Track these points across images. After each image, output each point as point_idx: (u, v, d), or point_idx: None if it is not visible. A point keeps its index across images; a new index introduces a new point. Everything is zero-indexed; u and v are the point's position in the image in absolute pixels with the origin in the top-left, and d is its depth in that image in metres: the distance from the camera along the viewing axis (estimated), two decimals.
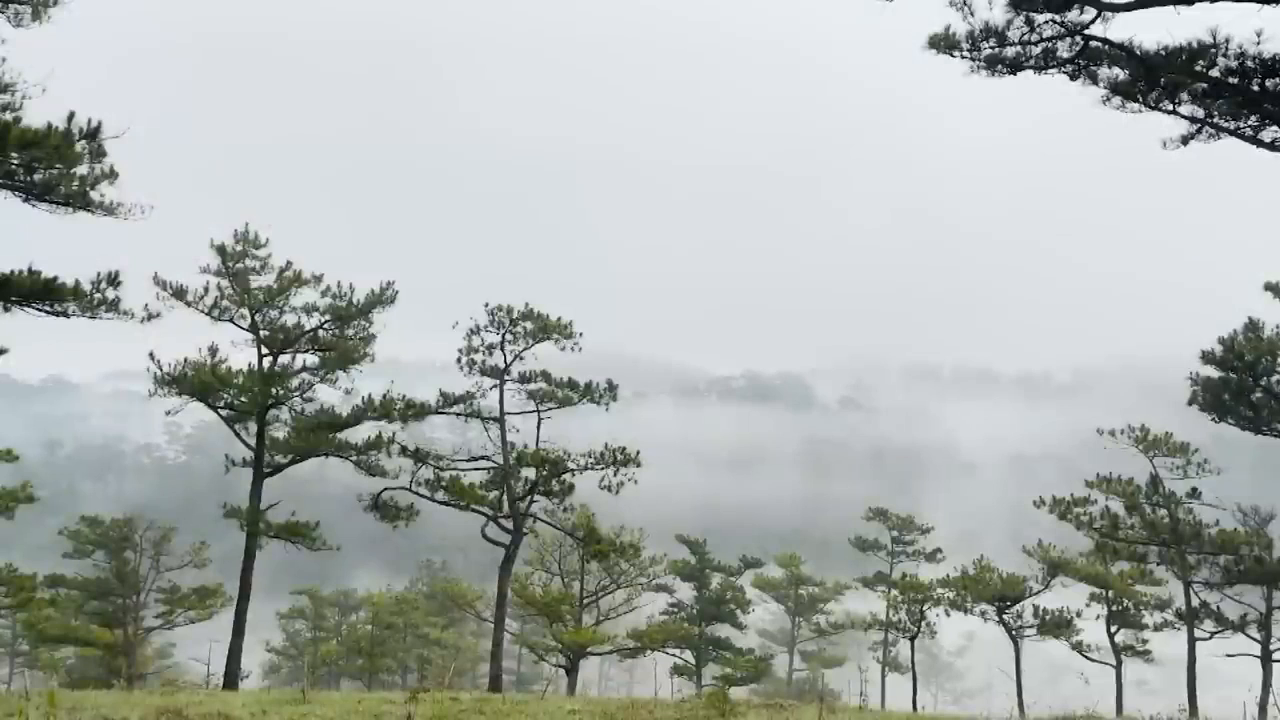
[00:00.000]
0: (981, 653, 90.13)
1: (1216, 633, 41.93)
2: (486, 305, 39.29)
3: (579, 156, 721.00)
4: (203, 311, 36.27)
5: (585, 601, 51.20)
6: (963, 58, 16.95)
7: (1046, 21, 16.58)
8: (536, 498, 39.60)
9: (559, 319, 39.03)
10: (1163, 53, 16.38)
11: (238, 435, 37.84)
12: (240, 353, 37.09)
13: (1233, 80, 16.40)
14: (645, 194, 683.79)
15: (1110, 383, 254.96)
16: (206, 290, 36.21)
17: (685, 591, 61.38)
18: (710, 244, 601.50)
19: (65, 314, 24.52)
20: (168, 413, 38.24)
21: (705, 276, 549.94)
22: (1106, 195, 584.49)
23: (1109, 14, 16.38)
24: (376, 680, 67.42)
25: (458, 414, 40.12)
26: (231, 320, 36.93)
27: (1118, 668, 45.98)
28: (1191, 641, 41.51)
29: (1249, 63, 16.18)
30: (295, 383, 37.70)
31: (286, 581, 77.58)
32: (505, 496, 39.13)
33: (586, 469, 39.14)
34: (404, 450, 38.35)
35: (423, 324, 66.39)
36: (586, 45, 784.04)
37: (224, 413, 37.32)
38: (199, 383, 35.70)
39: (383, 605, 69.77)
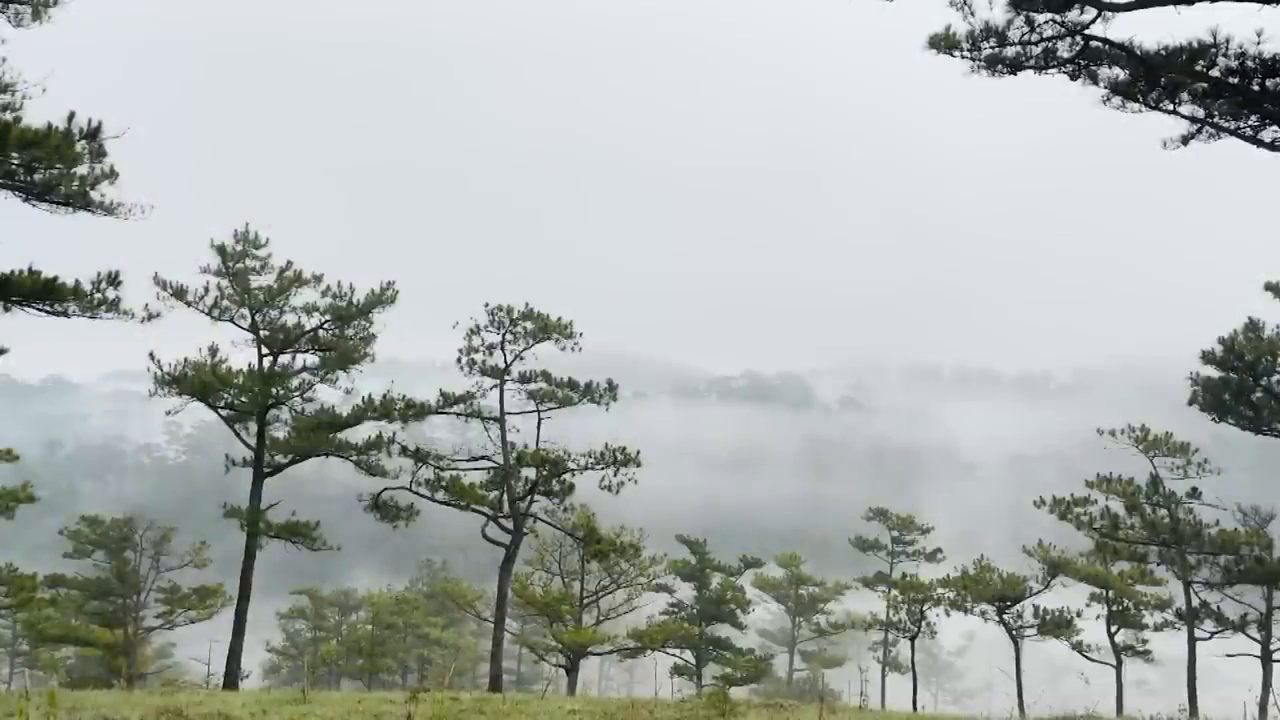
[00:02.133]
0: (981, 653, 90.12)
1: (1216, 633, 41.89)
2: (486, 305, 39.27)
3: (579, 156, 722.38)
4: (203, 311, 36.26)
5: (585, 601, 51.16)
6: (963, 58, 16.93)
7: (1047, 21, 16.56)
8: (536, 498, 39.52)
9: (559, 319, 38.98)
10: (1163, 53, 16.37)
11: (238, 435, 37.83)
12: (240, 353, 37.13)
13: (1233, 80, 16.39)
14: (645, 194, 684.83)
15: (1110, 383, 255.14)
16: (206, 290, 36.21)
17: (685, 591, 61.36)
18: (710, 244, 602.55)
19: (65, 314, 24.49)
20: (168, 413, 38.21)
21: (705, 276, 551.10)
22: (1107, 195, 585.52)
23: (1109, 14, 16.36)
24: (376, 680, 67.39)
25: (458, 414, 40.06)
26: (231, 320, 36.92)
27: (1118, 668, 45.93)
28: (1191, 641, 41.49)
29: (1249, 63, 16.16)
30: (295, 383, 37.70)
31: (286, 581, 77.53)
32: (505, 496, 39.07)
33: (586, 469, 39.05)
34: (404, 450, 38.29)
35: (423, 324, 66.43)
36: (588, 45, 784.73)
37: (224, 413, 37.32)
38: (199, 383, 35.67)
39: (383, 605, 69.77)
